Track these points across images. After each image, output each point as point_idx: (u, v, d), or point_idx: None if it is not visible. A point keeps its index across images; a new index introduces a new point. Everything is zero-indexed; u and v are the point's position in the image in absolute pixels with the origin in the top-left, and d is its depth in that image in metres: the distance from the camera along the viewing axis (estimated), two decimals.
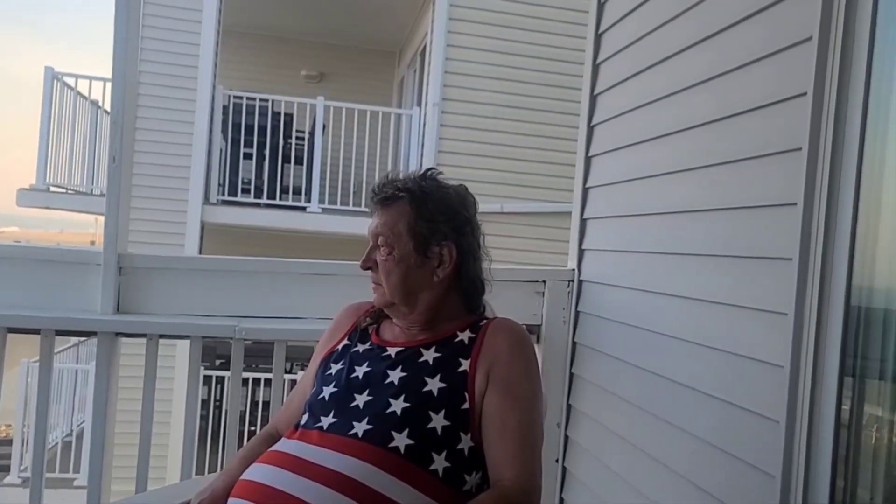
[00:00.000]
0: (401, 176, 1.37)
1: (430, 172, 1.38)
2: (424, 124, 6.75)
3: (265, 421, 6.24)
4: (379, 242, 1.33)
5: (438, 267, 1.32)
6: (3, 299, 1.97)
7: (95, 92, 6.84)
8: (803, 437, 1.24)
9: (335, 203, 6.96)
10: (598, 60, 2.28)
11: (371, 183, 1.39)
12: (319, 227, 6.91)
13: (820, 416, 1.22)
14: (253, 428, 6.12)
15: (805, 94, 1.26)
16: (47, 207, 6.53)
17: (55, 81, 6.33)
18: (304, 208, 6.78)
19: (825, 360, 1.22)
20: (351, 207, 6.91)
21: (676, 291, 1.70)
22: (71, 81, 6.58)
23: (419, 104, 7.25)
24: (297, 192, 6.91)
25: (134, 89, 2.07)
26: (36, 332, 1.97)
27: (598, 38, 2.29)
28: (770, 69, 1.39)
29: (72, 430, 6.98)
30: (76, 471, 6.37)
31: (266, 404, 6.42)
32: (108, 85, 6.64)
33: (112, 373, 2.01)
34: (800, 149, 1.26)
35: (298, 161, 6.98)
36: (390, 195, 1.34)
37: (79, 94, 6.68)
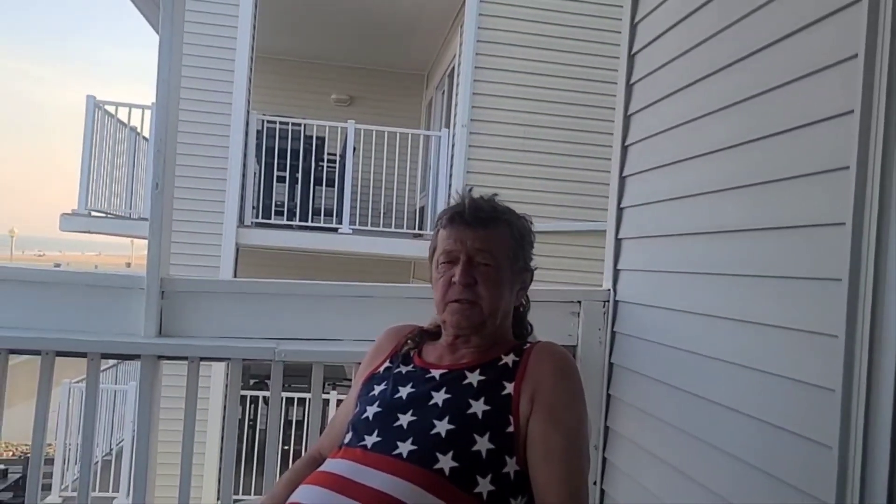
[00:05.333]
0: (484, 197, 1.39)
1: (492, 196, 1.41)
2: (453, 145, 6.79)
3: (299, 440, 6.27)
4: (480, 259, 1.32)
5: (521, 290, 1.39)
6: (53, 324, 2.02)
7: (134, 119, 7.04)
8: (857, 463, 1.20)
9: (366, 224, 7.03)
10: (632, 81, 2.28)
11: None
12: (350, 248, 6.98)
13: (875, 441, 1.19)
14: (287, 447, 6.14)
15: (852, 111, 1.24)
16: (88, 232, 6.69)
17: (97, 110, 6.51)
18: (335, 229, 6.85)
19: (879, 382, 1.19)
20: (381, 228, 6.98)
21: (718, 312, 1.68)
22: (111, 109, 6.77)
23: (448, 125, 7.30)
24: (328, 213, 7.00)
25: (175, 118, 2.11)
26: (83, 355, 2.02)
27: (631, 58, 2.29)
28: (814, 87, 1.38)
29: (111, 449, 7.09)
30: (115, 490, 6.45)
31: (300, 423, 6.45)
32: (146, 112, 6.86)
33: (155, 395, 2.04)
34: (847, 167, 1.25)
35: (330, 183, 7.08)
36: (492, 216, 1.36)
37: (119, 121, 6.87)
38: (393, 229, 6.92)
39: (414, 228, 7.49)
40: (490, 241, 1.33)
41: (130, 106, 6.96)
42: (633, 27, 2.27)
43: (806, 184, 1.39)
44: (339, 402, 5.94)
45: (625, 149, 2.30)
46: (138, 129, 7.05)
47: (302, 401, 6.40)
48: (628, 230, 2.26)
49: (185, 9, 2.07)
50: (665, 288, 1.99)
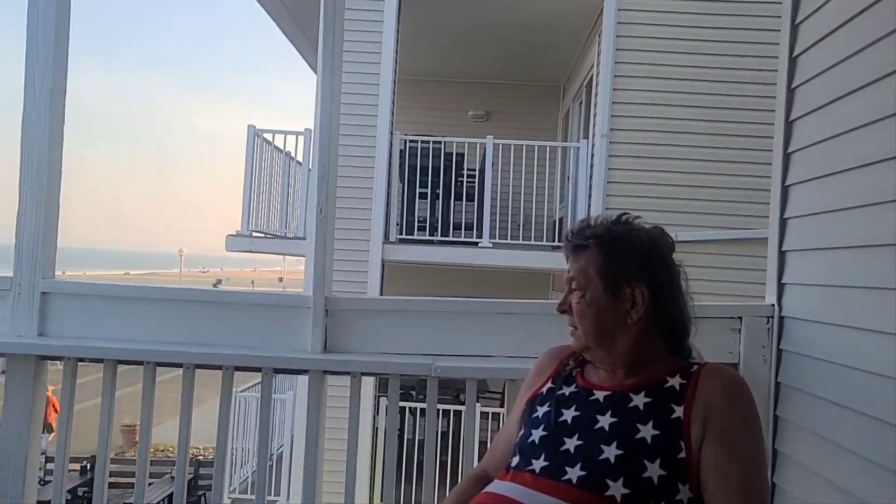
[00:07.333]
0: (594, 222, 1.40)
1: (623, 217, 1.39)
2: (592, 156, 6.69)
3: (444, 451, 6.40)
4: (573, 287, 1.36)
5: (632, 308, 1.32)
6: (230, 340, 2.20)
7: (288, 144, 7.53)
8: None
9: (505, 237, 7.08)
10: (794, 85, 2.15)
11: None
12: (490, 261, 7.06)
13: None
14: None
15: None
16: (250, 251, 7.23)
17: (256, 138, 7.05)
18: (475, 243, 6.96)
19: None
20: (521, 241, 6.99)
21: None
22: (268, 137, 7.30)
23: (586, 136, 7.21)
24: (468, 227, 7.14)
25: (336, 147, 2.24)
26: (257, 370, 2.19)
27: (792, 61, 2.17)
28: None
29: (271, 455, 7.59)
30: (276, 493, 6.90)
31: (444, 434, 6.57)
32: (299, 138, 7.32)
33: (321, 407, 2.16)
34: None
35: (469, 198, 7.22)
36: (581, 241, 1.37)
37: (275, 147, 7.39)
38: (532, 242, 6.91)
39: (553, 240, 7.45)
40: (577, 268, 1.36)
41: (286, 133, 7.47)
42: (795, 28, 2.15)
43: None
44: (482, 413, 6.02)
45: (787, 156, 2.17)
46: (291, 154, 7.54)
47: (446, 412, 6.53)
48: (794, 242, 2.13)
49: (343, 48, 2.20)
50: (843, 304, 1.85)
